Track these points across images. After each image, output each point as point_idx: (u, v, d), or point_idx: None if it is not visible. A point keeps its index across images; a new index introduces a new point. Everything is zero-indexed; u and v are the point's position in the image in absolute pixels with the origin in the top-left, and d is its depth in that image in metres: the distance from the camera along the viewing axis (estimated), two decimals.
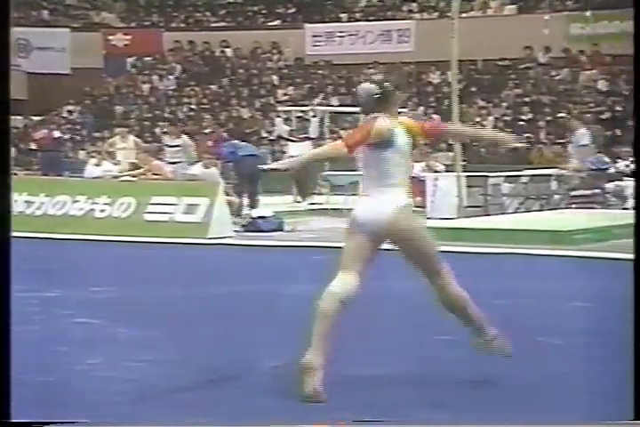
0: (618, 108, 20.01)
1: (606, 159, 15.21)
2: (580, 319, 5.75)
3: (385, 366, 4.52)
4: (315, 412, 3.80)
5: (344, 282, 4.15)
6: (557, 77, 21.59)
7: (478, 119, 21.15)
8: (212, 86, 24.07)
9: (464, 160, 12.84)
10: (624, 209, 13.70)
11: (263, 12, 25.77)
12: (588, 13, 17.70)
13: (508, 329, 5.12)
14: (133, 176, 12.36)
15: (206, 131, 20.80)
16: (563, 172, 15.09)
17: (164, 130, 16.33)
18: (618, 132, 19.13)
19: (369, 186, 4.11)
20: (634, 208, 3.67)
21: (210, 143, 15.78)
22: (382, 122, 4.04)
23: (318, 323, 4.03)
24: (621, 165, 14.77)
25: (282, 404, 3.91)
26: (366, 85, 4.14)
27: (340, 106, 20.80)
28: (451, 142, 14.99)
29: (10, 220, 3.26)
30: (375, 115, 4.08)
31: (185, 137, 14.76)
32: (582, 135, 13.39)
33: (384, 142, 4.03)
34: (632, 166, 14.67)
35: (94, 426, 3.63)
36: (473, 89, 22.11)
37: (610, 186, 14.42)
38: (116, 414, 3.70)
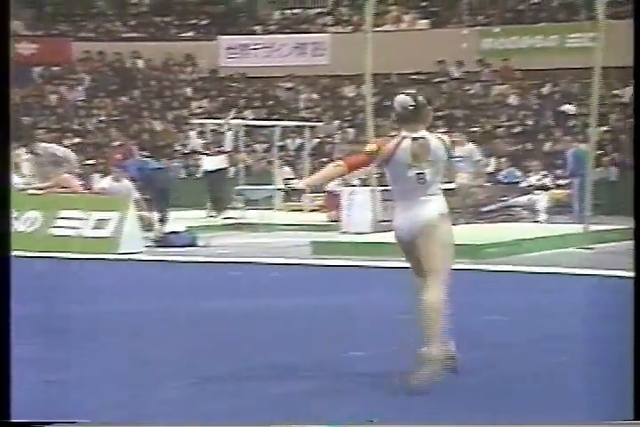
0: (528, 123, 20.53)
1: (518, 173, 15.58)
2: (490, 333, 5.84)
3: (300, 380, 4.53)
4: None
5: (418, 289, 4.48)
6: (470, 92, 22.05)
7: (393, 133, 21.42)
8: (122, 98, 23.79)
9: (379, 173, 12.96)
10: (535, 222, 14.05)
11: (176, 23, 25.64)
12: (498, 29, 18.14)
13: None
14: (40, 189, 12.11)
15: (116, 143, 20.53)
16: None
17: (42, 139, 15.95)
18: (529, 146, 19.62)
19: (395, 201, 4.45)
20: (634, 210, 3.85)
21: (119, 156, 15.57)
22: (381, 141, 4.42)
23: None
24: (533, 178, 15.15)
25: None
26: (401, 97, 4.34)
27: (255, 119, 20.81)
28: None
29: (10, 238, 3.47)
30: (410, 126, 4.35)
31: (64, 148, 14.41)
32: (472, 151, 13.44)
33: (384, 159, 4.34)
34: (544, 180, 15.05)
35: (94, 426, 3.67)
36: (388, 103, 22.35)
37: (522, 199, 14.76)
38: None
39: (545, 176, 15.21)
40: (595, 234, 11.28)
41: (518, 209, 14.89)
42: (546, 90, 21.33)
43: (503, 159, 16.66)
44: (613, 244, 11.23)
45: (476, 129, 20.54)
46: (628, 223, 12.64)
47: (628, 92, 20.04)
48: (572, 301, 6.88)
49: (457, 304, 6.63)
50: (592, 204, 11.41)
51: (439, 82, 22.40)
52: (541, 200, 14.49)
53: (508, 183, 15.37)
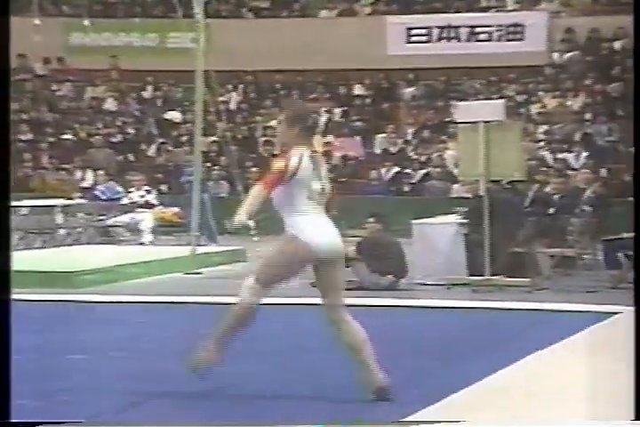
0: (129, 131, 21.09)
1: (119, 188, 15.96)
2: (75, 374, 5.84)
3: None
4: None
5: None
6: (59, 93, 22.19)
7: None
8: None
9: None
10: (140, 244, 14.52)
11: None
12: (86, 22, 18.39)
13: None
14: None
15: None
16: (69, 202, 15.57)
17: None
18: (131, 157, 20.16)
19: (294, 216, 5.12)
20: (634, 212, 4.30)
21: None
22: (294, 158, 5.01)
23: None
24: (135, 195, 15.57)
25: None
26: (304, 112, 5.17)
27: None
28: None
29: (9, 279, 3.84)
30: (308, 140, 5.14)
31: None
32: None
33: (292, 174, 5.03)
34: (147, 197, 15.61)
35: (92, 426, 4.15)
36: None
37: (123, 219, 15.17)
38: None
39: (149, 192, 15.74)
40: (203, 257, 12.08)
41: (120, 230, 15.30)
42: (147, 94, 22.11)
43: (101, 172, 17.01)
44: (223, 267, 12.06)
45: (68, 137, 20.76)
46: (238, 243, 13.59)
47: (234, 98, 21.42)
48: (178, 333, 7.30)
49: (42, 343, 6.73)
50: (199, 223, 12.19)
51: (21, 80, 22.27)
52: (145, 219, 15.01)
53: (106, 200, 15.72)
